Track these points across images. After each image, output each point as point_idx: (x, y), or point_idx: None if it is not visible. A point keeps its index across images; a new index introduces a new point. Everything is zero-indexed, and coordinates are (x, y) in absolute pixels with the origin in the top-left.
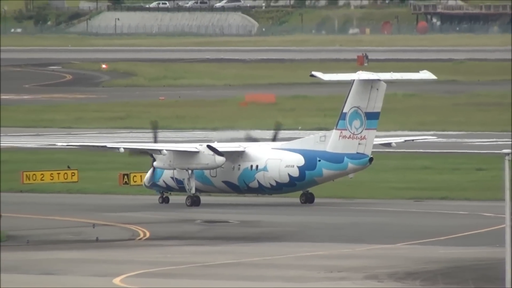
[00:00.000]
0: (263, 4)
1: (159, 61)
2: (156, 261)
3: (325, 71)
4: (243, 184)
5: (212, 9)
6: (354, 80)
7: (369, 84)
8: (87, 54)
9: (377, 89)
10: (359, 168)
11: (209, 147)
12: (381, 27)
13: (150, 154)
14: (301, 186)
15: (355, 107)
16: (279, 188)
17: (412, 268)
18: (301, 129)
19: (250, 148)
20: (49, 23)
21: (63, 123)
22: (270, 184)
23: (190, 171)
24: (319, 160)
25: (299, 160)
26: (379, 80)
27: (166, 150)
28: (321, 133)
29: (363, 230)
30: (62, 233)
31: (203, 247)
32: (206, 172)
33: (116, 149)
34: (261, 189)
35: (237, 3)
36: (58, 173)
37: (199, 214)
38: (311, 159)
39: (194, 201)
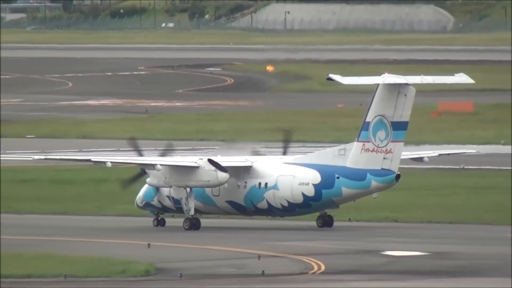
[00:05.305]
0: None
1: (337, 62)
2: None
3: None
4: (250, 205)
5: (400, 1)
6: (378, 84)
7: (396, 89)
8: (251, 53)
9: (405, 95)
10: (384, 187)
11: (210, 161)
12: None
13: (142, 169)
14: (317, 207)
15: (379, 115)
16: (291, 209)
17: None
18: (504, 144)
19: (258, 163)
20: (206, 16)
21: (223, 134)
22: (281, 205)
23: (188, 189)
24: (338, 177)
25: (315, 177)
26: (407, 84)
27: (161, 165)
28: (341, 146)
29: None
30: (221, 266)
31: (388, 282)
32: (208, 190)
33: (102, 163)
34: (271, 211)
35: None
36: None
37: (382, 244)
38: (328, 176)
39: (193, 224)
